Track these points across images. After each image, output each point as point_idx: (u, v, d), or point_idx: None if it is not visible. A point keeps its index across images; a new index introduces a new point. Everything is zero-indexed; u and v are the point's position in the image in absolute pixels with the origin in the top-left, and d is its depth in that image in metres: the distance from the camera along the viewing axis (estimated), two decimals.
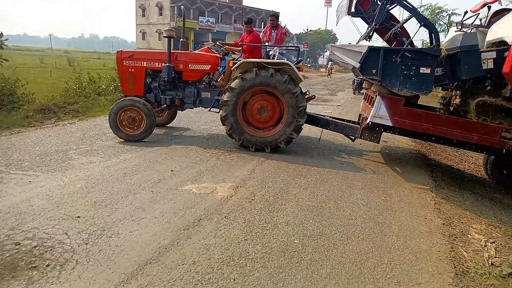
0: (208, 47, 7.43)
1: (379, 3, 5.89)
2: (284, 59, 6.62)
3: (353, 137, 6.47)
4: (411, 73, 5.45)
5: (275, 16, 7.98)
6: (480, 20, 6.12)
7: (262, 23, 61.10)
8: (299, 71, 6.22)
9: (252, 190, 4.56)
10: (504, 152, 5.26)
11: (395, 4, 5.82)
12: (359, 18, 6.21)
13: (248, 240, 3.37)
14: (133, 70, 6.73)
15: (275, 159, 5.97)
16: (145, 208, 3.84)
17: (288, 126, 6.13)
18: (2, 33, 8.25)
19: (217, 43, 7.54)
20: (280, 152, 6.37)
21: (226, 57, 7.36)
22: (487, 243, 3.81)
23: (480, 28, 5.74)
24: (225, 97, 6.16)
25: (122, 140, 6.38)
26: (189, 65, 6.72)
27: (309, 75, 34.45)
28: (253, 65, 6.12)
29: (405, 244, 3.57)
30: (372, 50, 5.54)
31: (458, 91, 6.17)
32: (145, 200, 4.04)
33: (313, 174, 5.38)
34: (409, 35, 6.25)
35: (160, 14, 50.24)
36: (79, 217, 3.53)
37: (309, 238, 3.52)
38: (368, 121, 5.83)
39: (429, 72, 5.41)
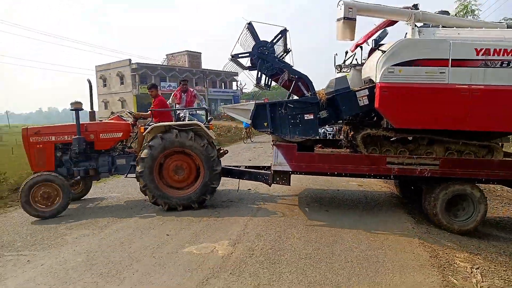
0: (118, 115, 7.59)
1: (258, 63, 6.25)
2: (195, 120, 7.01)
3: (269, 183, 6.51)
4: (298, 121, 6.02)
5: (185, 81, 8.71)
6: (356, 59, 6.79)
7: (223, 83, 63.37)
8: (209, 129, 6.65)
9: (250, 245, 4.75)
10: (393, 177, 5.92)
11: (269, 63, 6.20)
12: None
13: None
14: (41, 145, 6.62)
15: (261, 214, 6.20)
16: (151, 274, 3.93)
17: (203, 186, 6.35)
18: None
19: (126, 111, 7.93)
20: (267, 208, 6.62)
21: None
22: (472, 269, 4.18)
23: (357, 67, 6.51)
24: (142, 154, 6.33)
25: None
26: (101, 135, 6.84)
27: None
28: (165, 128, 6.44)
29: (402, 279, 3.85)
30: (258, 106, 6.10)
31: (350, 125, 6.76)
32: (150, 266, 4.13)
33: (301, 222, 5.65)
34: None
35: (122, 83, 51.06)
36: None
37: (314, 284, 3.73)
38: (271, 169, 6.29)
39: (312, 117, 6.00)
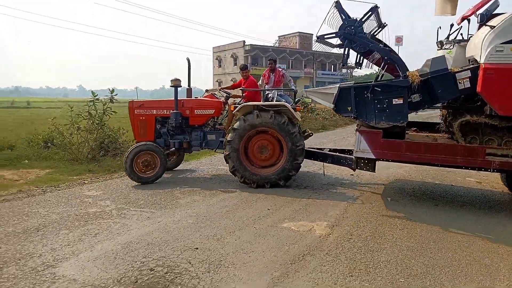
0: (212, 93, 7.95)
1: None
2: (283, 101, 6.95)
3: (353, 168, 6.21)
4: (384, 105, 5.56)
5: (273, 60, 8.49)
6: (461, 34, 5.95)
7: (332, 66, 61.94)
8: (295, 111, 6.60)
9: (348, 229, 4.70)
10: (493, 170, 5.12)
11: (356, 43, 5.76)
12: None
13: (353, 276, 3.50)
14: (144, 118, 7.23)
15: (363, 201, 6.05)
16: (252, 242, 4.18)
17: (287, 165, 6.48)
18: (113, 89, 9.58)
19: (219, 89, 8.08)
20: (369, 194, 6.43)
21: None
22: None
23: (462, 43, 5.66)
24: (228, 137, 6.58)
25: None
26: (195, 111, 7.27)
27: None
28: (253, 108, 6.58)
29: None
30: (342, 89, 5.75)
31: (449, 110, 6.01)
32: (251, 235, 4.39)
33: (406, 214, 5.36)
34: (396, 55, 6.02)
35: (235, 64, 53.53)
36: (197, 248, 3.97)
37: (414, 277, 3.55)
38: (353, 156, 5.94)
39: (401, 102, 5.50)
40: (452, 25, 5.99)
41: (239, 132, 6.53)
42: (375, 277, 3.50)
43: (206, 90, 8.29)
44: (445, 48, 5.76)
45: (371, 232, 4.63)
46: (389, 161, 5.98)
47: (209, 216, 5.05)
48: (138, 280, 3.29)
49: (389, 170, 8.48)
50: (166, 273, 3.43)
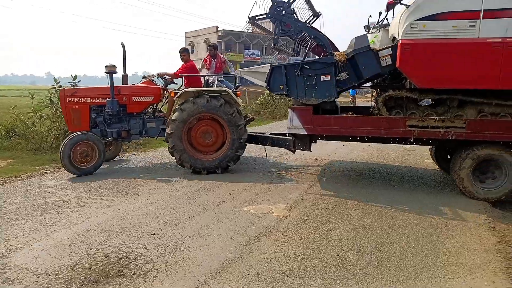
0: (150, 80, 7.70)
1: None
2: (223, 86, 7.04)
3: (293, 150, 6.54)
4: (313, 82, 5.85)
5: (213, 46, 8.57)
6: (387, 19, 6.24)
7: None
8: (236, 96, 6.74)
9: (306, 211, 4.84)
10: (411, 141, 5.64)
11: (284, 21, 6.14)
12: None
13: (305, 255, 3.64)
14: (77, 107, 6.90)
15: (326, 182, 6.22)
16: (210, 226, 4.25)
17: (229, 152, 6.57)
18: (76, 76, 9.28)
19: (157, 74, 7.77)
20: (331, 176, 6.62)
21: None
22: None
23: (386, 27, 6.01)
24: (168, 130, 6.49)
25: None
26: (133, 98, 7.03)
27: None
28: (193, 94, 6.59)
29: (459, 260, 3.66)
30: (274, 68, 5.99)
31: (378, 89, 6.33)
32: (209, 219, 4.46)
33: (363, 195, 5.57)
34: (334, 45, 6.42)
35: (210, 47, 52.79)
36: (154, 234, 4.01)
37: (363, 254, 3.72)
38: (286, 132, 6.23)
39: (329, 79, 5.79)
40: (380, 13, 6.29)
41: (185, 113, 6.43)
42: (325, 255, 3.65)
43: (144, 76, 7.98)
44: (371, 32, 6.07)
45: (327, 213, 4.79)
46: (322, 139, 6.32)
47: (170, 202, 5.08)
48: (92, 267, 3.31)
49: (352, 154, 8.72)
50: (120, 259, 3.47)
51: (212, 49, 8.41)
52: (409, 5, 5.08)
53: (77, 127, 6.89)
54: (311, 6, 6.34)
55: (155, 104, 7.47)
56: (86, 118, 6.94)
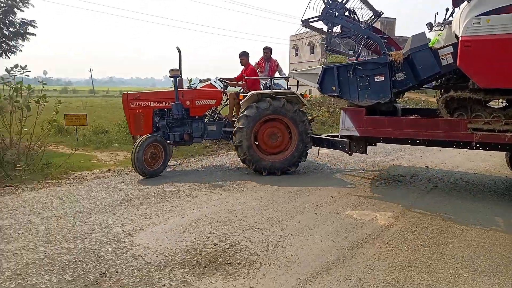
0: (210, 83, 7.62)
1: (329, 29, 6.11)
2: (279, 88, 6.99)
3: (349, 152, 6.35)
4: (367, 83, 5.67)
5: (269, 49, 8.19)
6: (452, 16, 5.81)
7: None
8: (303, 97, 6.83)
9: (414, 221, 4.55)
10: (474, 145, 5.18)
11: (337, 24, 6.03)
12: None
13: (413, 267, 3.43)
14: (140, 111, 6.89)
15: (436, 192, 5.76)
16: (311, 227, 4.28)
17: (297, 152, 6.61)
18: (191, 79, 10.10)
19: (218, 78, 7.75)
20: (444, 186, 6.10)
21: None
22: None
23: (451, 24, 5.61)
24: (239, 124, 6.49)
25: (143, 177, 6.45)
26: (196, 101, 7.02)
27: None
28: (258, 97, 6.61)
29: None
30: (326, 69, 5.91)
31: (440, 90, 5.90)
32: (311, 220, 4.48)
33: (482, 210, 5.01)
34: (397, 44, 6.31)
35: (312, 52, 52.85)
36: (258, 229, 4.18)
37: (480, 274, 3.36)
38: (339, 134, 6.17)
39: (383, 79, 5.57)
40: (447, 9, 5.86)
41: (250, 119, 6.50)
42: (435, 270, 3.39)
43: (200, 80, 8.00)
44: (435, 30, 5.74)
45: (439, 226, 4.43)
46: (379, 142, 6.09)
47: (273, 200, 5.24)
48: (203, 253, 3.60)
49: (468, 164, 7.91)
50: (227, 248, 3.70)
51: (268, 52, 8.37)
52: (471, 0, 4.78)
53: (139, 131, 6.93)
54: (370, 6, 6.20)
55: (215, 107, 7.55)
56: (149, 122, 6.94)
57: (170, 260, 3.45)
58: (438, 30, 5.69)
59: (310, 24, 6.32)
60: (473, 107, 5.34)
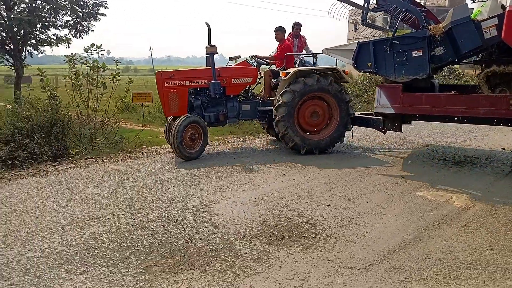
0: (246, 60, 7.25)
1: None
2: (308, 65, 6.85)
3: (382, 130, 6.31)
4: (404, 59, 5.49)
5: (299, 25, 7.73)
6: None
7: None
8: (345, 73, 6.68)
9: (493, 204, 4.35)
10: None
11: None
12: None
13: (495, 250, 3.32)
14: (175, 90, 6.41)
15: None
16: (384, 206, 4.25)
17: (337, 131, 6.54)
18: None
19: (251, 56, 7.40)
20: None
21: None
22: None
23: None
24: (284, 98, 6.28)
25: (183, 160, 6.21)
26: (233, 80, 6.69)
27: None
28: (299, 74, 6.41)
29: None
30: (361, 45, 5.76)
31: (482, 65, 5.70)
32: (382, 199, 4.45)
33: None
34: (436, 18, 5.99)
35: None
36: (329, 205, 4.24)
37: None
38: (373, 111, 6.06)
39: (421, 54, 5.38)
40: None
41: (297, 94, 6.30)
42: None
43: (230, 58, 7.53)
44: (479, 1, 5.51)
45: None
46: (415, 119, 6.05)
47: (341, 178, 5.25)
48: (278, 225, 3.74)
49: None
50: (301, 222, 3.80)
51: (298, 28, 7.98)
52: None
53: (174, 111, 6.49)
54: None
55: (249, 86, 7.21)
56: (184, 102, 6.51)
57: (248, 230, 3.63)
58: (481, 1, 5.45)
59: None
60: None
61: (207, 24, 6.58)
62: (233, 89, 6.84)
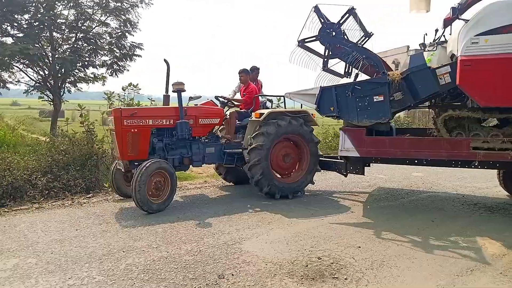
0: (211, 100, 7.00)
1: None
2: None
3: (344, 174, 6.41)
4: (366, 103, 5.59)
5: (257, 69, 7.82)
6: (444, 36, 5.86)
7: None
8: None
9: None
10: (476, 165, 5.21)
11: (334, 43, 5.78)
12: None
13: None
14: (136, 130, 5.72)
15: None
16: (415, 250, 4.21)
17: (309, 173, 6.51)
18: None
19: (218, 97, 7.13)
20: None
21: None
22: None
23: (444, 45, 5.69)
24: (259, 141, 6.07)
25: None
26: (200, 120, 6.27)
27: None
28: (275, 116, 6.33)
29: None
30: (324, 90, 5.78)
31: (436, 110, 5.92)
32: (414, 243, 4.41)
33: None
34: (387, 65, 6.04)
35: (396, 70, 50.99)
36: (359, 247, 4.24)
37: None
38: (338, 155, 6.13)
39: (382, 99, 5.49)
40: (437, 30, 5.92)
41: (270, 137, 6.11)
42: None
43: (190, 98, 6.99)
44: (428, 50, 5.81)
45: None
46: (376, 162, 6.11)
47: (370, 220, 5.25)
48: (308, 265, 3.76)
49: None
50: (332, 263, 3.81)
51: (256, 71, 7.83)
52: (468, 20, 4.88)
53: (133, 155, 5.76)
54: (362, 27, 6.02)
55: (213, 127, 6.78)
56: (146, 144, 5.85)
57: (278, 268, 3.67)
58: (430, 50, 5.76)
59: (306, 44, 6.04)
60: (471, 125, 5.39)
61: (165, 61, 6.37)
62: (200, 130, 6.36)
